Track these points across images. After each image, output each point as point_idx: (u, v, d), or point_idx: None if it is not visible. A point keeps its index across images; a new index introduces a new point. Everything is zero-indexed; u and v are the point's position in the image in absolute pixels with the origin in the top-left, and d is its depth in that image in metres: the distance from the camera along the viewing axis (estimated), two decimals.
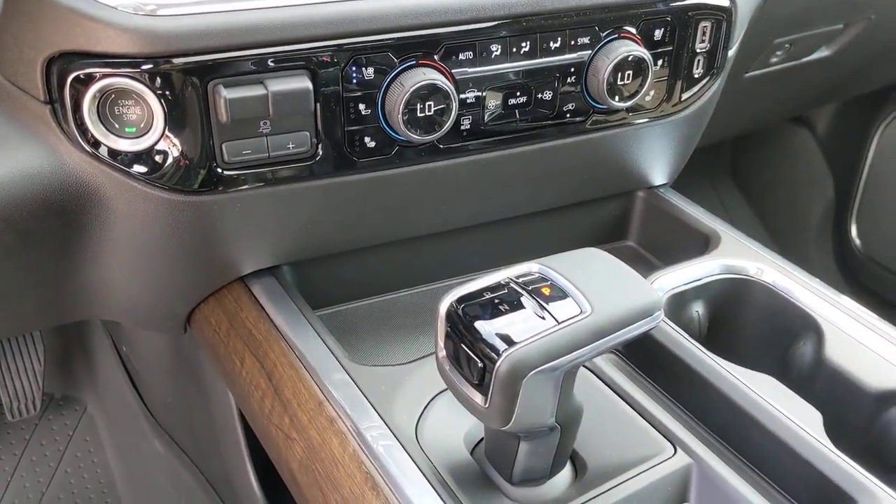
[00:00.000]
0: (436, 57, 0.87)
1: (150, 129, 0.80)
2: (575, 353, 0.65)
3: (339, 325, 1.03)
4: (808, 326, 0.94)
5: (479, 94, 0.91)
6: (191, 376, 1.18)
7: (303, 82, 0.82)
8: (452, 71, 0.88)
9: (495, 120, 0.94)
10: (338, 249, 1.01)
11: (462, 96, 0.89)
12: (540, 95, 0.95)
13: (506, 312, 0.67)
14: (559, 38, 0.93)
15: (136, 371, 1.43)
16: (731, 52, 1.09)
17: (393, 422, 0.80)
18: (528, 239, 1.14)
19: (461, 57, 0.88)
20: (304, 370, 0.86)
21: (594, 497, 0.76)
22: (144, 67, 0.77)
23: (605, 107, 0.99)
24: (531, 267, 0.71)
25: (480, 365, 0.65)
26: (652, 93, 1.02)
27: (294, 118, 0.83)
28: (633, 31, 0.96)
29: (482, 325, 0.66)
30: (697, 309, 1.00)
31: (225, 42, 0.79)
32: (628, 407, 0.84)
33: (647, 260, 1.20)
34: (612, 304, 0.67)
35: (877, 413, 0.85)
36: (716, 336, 1.00)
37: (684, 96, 1.06)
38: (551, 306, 0.66)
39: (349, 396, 0.83)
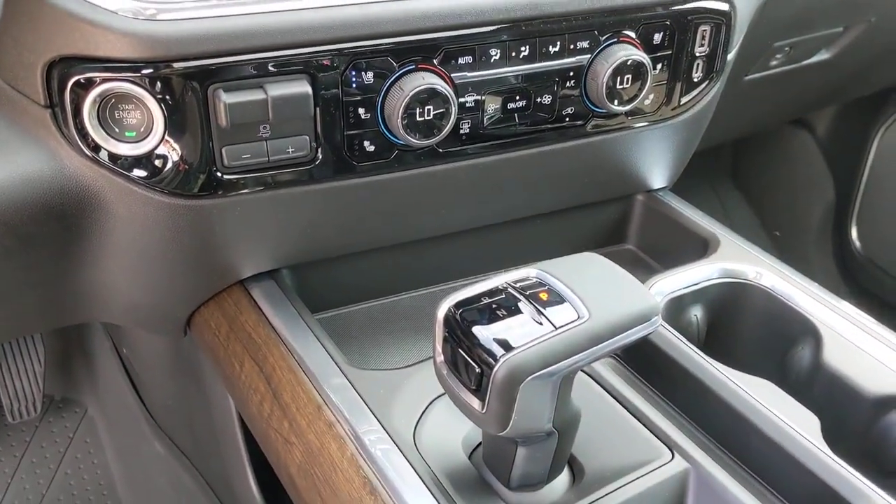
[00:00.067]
0: (435, 61, 0.87)
1: (150, 133, 0.80)
2: (572, 358, 0.65)
3: (339, 328, 1.03)
4: (806, 331, 0.94)
5: (479, 98, 0.91)
6: (191, 379, 1.18)
7: (302, 87, 0.82)
8: (452, 75, 0.88)
9: (495, 124, 0.94)
10: (337, 253, 1.01)
11: (461, 100, 0.90)
12: (539, 99, 0.95)
13: (503, 317, 0.67)
14: (558, 43, 0.93)
15: (137, 373, 1.43)
16: (730, 56, 1.09)
17: (391, 426, 0.80)
18: (527, 242, 1.14)
19: (460, 61, 0.88)
20: (302, 374, 0.86)
21: (592, 502, 0.76)
22: (145, 72, 0.77)
23: (604, 111, 0.99)
24: (529, 272, 0.71)
25: (478, 370, 0.65)
26: (651, 96, 1.02)
27: (294, 122, 0.83)
28: (633, 35, 0.96)
29: (480, 331, 0.66)
30: (696, 313, 1.00)
31: (225, 46, 0.79)
32: (626, 411, 0.85)
33: (647, 263, 1.20)
34: (610, 310, 0.68)
35: (875, 418, 0.86)
36: (714, 340, 1.01)
37: (683, 100, 1.06)
38: (549, 311, 0.67)
39: (347, 400, 0.83)
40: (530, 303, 0.67)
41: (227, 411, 1.07)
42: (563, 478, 0.78)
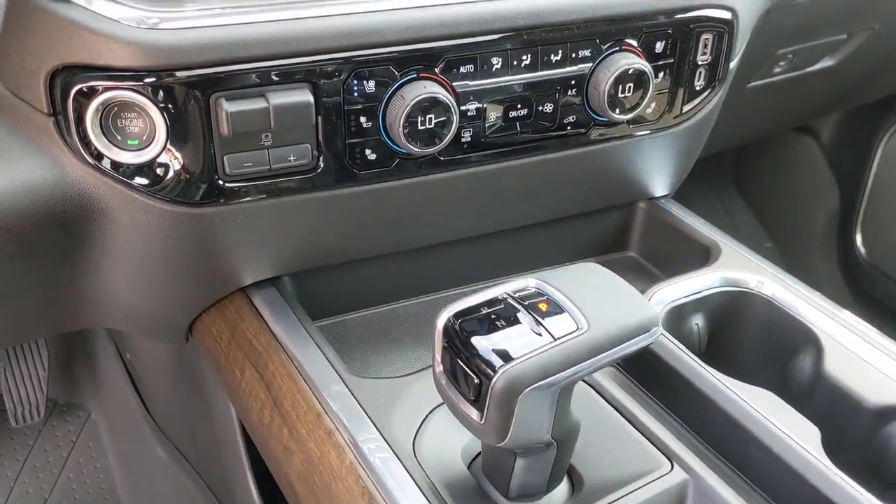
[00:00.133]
0: (437, 70, 0.87)
1: (152, 141, 0.80)
2: (571, 369, 0.65)
3: (340, 335, 1.03)
4: (807, 340, 0.94)
5: (480, 106, 0.91)
6: (193, 385, 1.18)
7: (304, 95, 0.82)
8: (453, 84, 0.88)
9: (496, 132, 0.94)
10: (339, 260, 1.01)
11: (463, 109, 0.90)
12: (541, 108, 0.95)
13: (502, 328, 0.67)
14: (560, 51, 0.93)
15: (140, 378, 1.44)
16: (732, 64, 1.09)
17: (391, 435, 0.80)
18: (529, 250, 1.14)
19: (462, 70, 0.88)
20: (302, 382, 0.86)
21: None
22: (147, 81, 0.78)
23: (605, 119, 0.99)
24: (528, 282, 0.71)
25: (476, 381, 0.65)
26: (653, 105, 1.02)
27: (295, 131, 0.84)
28: (635, 43, 0.96)
29: (479, 341, 0.66)
30: (697, 322, 1.00)
31: (227, 55, 0.79)
32: (626, 421, 0.84)
33: (649, 271, 1.20)
34: (609, 321, 0.68)
35: (876, 429, 0.85)
36: (715, 349, 1.00)
37: (686, 108, 1.06)
38: (548, 322, 0.67)
39: (347, 409, 0.83)
40: (529, 313, 0.68)
41: (229, 418, 1.07)
42: (562, 488, 0.78)
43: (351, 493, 0.76)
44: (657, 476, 0.79)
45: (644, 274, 1.19)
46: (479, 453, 0.79)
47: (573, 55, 0.94)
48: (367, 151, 0.88)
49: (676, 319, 0.97)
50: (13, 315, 0.99)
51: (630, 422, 0.84)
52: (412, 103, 0.85)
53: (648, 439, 0.82)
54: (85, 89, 0.78)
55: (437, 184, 0.95)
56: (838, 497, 0.74)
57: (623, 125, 1.02)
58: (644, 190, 1.16)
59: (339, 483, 0.77)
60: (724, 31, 1.02)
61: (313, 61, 0.82)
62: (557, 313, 0.67)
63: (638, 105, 0.98)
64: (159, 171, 0.82)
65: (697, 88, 1.05)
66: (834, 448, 0.79)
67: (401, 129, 0.85)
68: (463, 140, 0.92)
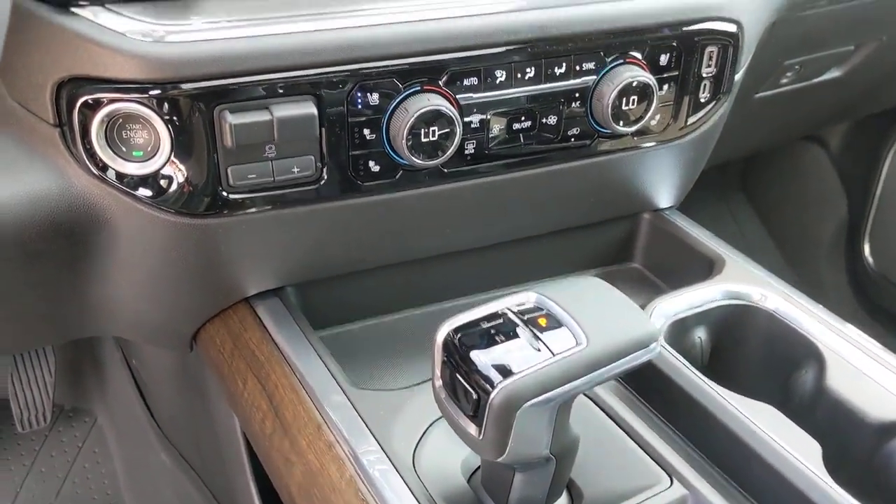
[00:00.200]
0: (440, 82, 0.87)
1: (156, 153, 0.81)
2: (569, 385, 0.65)
3: (342, 346, 1.03)
4: (810, 354, 0.93)
5: (484, 118, 0.91)
6: (197, 394, 1.19)
7: (308, 108, 0.82)
8: (457, 96, 0.89)
9: (500, 144, 0.94)
10: (342, 271, 1.02)
11: (466, 121, 0.90)
12: (544, 120, 0.95)
13: (501, 343, 0.67)
14: (564, 64, 0.93)
15: (145, 385, 1.44)
16: (738, 76, 1.09)
17: (391, 447, 0.81)
18: (533, 260, 1.14)
19: (466, 83, 0.89)
20: (304, 393, 0.87)
21: None
22: (152, 93, 0.78)
23: (609, 131, 0.99)
24: (528, 296, 0.71)
25: (475, 396, 0.65)
26: (657, 117, 1.02)
27: (299, 143, 0.84)
28: (639, 56, 0.96)
29: (477, 356, 0.66)
30: (700, 335, 0.99)
31: (231, 68, 0.79)
32: (626, 436, 0.84)
33: (653, 282, 1.19)
34: (608, 336, 0.68)
35: (878, 445, 0.85)
36: (718, 362, 1.00)
37: (690, 120, 1.06)
38: (547, 337, 0.67)
39: (348, 420, 0.83)
40: (528, 328, 0.68)
41: (232, 427, 1.07)
42: (562, 502, 0.78)
43: None
44: (657, 491, 0.78)
45: (648, 286, 1.18)
46: (479, 467, 0.79)
47: (577, 68, 0.94)
48: (371, 163, 0.88)
49: (679, 333, 0.97)
50: (19, 323, 1.00)
51: (630, 436, 0.84)
52: (415, 115, 0.85)
53: (648, 454, 0.82)
54: (90, 101, 0.78)
55: (441, 195, 0.95)
56: None
57: (627, 137, 1.02)
58: (648, 201, 1.15)
59: (338, 496, 0.77)
60: (729, 43, 1.02)
61: (317, 74, 0.82)
62: (556, 328, 0.68)
63: (642, 117, 0.98)
64: (163, 182, 0.82)
65: (702, 101, 1.05)
66: (835, 464, 0.78)
67: (404, 141, 0.86)
68: (466, 152, 0.92)
